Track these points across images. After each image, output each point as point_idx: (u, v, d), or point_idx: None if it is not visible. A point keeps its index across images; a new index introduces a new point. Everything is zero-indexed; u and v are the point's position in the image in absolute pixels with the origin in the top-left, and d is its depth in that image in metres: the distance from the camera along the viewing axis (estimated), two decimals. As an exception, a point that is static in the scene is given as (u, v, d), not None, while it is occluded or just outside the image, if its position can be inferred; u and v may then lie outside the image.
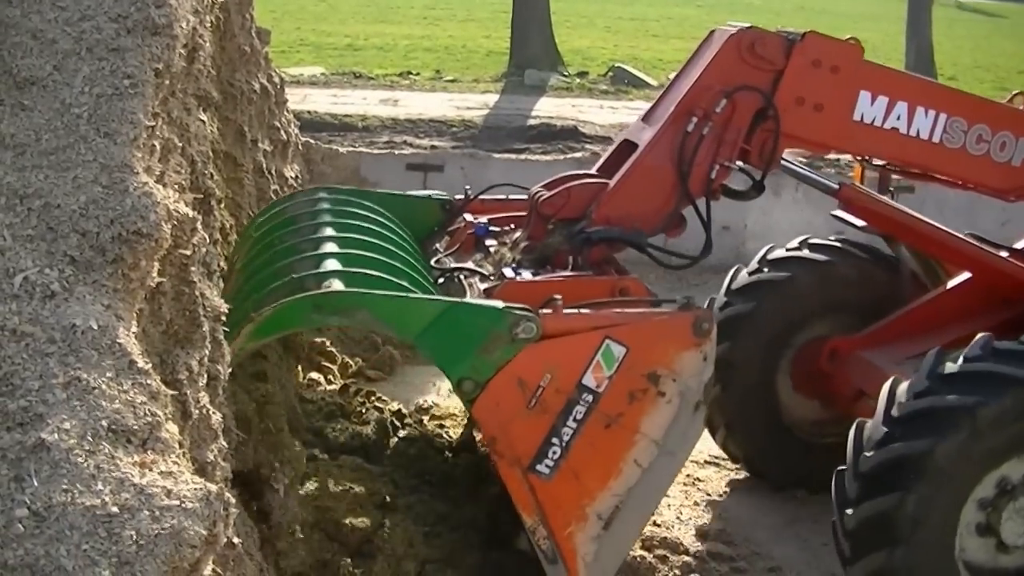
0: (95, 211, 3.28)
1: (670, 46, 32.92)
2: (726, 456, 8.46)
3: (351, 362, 8.89)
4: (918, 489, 5.83)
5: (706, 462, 8.58)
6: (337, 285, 5.21)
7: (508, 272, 6.09)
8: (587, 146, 15.23)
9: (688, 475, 8.30)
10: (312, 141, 13.63)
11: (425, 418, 7.93)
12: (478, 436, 7.75)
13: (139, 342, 3.26)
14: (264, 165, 9.57)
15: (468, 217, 7.00)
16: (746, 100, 6.62)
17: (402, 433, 7.19)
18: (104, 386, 2.87)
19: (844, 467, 6.15)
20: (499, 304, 5.31)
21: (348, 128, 15.54)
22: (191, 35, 4.50)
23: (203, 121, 5.60)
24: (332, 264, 5.49)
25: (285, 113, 11.05)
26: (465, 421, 8.18)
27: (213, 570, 3.28)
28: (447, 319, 5.15)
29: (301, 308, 5.06)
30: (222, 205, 7.69)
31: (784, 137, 6.71)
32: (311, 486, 5.78)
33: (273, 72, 10.44)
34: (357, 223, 6.31)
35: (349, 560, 5.35)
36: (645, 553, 7.01)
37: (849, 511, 5.99)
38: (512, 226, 6.74)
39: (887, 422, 6.01)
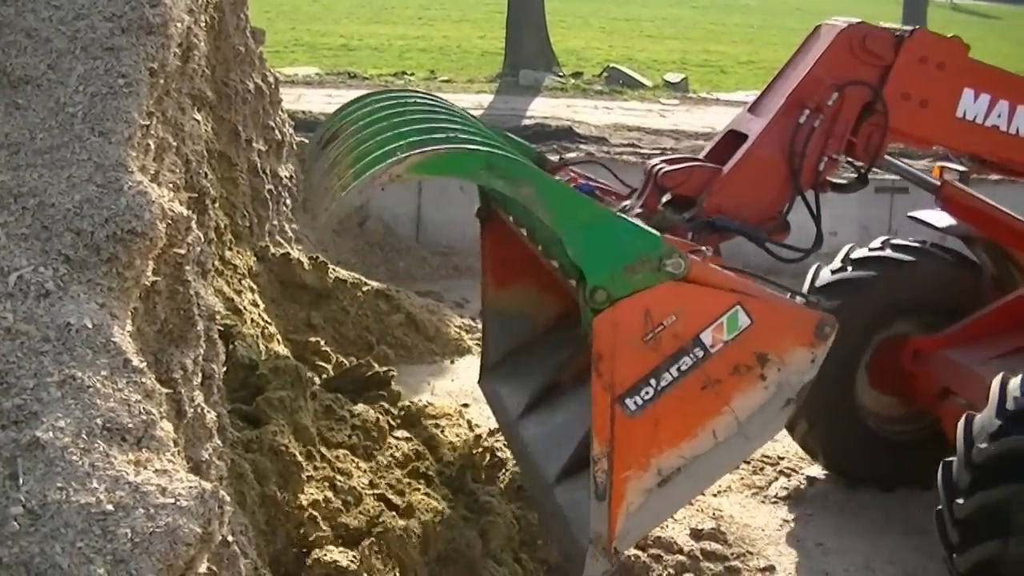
0: (89, 210, 3.29)
1: (664, 47, 32.95)
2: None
3: (346, 361, 8.89)
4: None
5: (700, 462, 8.59)
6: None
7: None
8: (581, 146, 15.24)
9: (682, 474, 8.31)
10: (307, 141, 13.61)
11: (420, 417, 7.93)
12: (472, 435, 7.77)
13: (133, 341, 3.27)
14: (259, 165, 9.59)
15: (575, 171, 7.03)
16: (855, 94, 6.74)
17: (398, 433, 7.19)
18: (99, 384, 2.87)
19: (951, 458, 6.22)
20: (657, 232, 5.33)
21: (343, 128, 15.52)
22: (186, 35, 4.51)
23: (197, 120, 5.61)
24: (480, 142, 5.45)
25: (280, 113, 11.05)
26: (460, 421, 8.18)
27: (208, 568, 3.28)
28: (605, 226, 5.15)
29: (474, 160, 5.02)
30: (216, 204, 7.70)
31: (890, 131, 6.82)
32: (309, 484, 5.78)
33: (268, 72, 10.44)
34: (475, 123, 6.31)
35: (349, 551, 5.35)
36: (639, 552, 7.02)
37: (960, 501, 6.05)
38: (613, 198, 6.78)
39: (1001, 415, 6.06)
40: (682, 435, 5.35)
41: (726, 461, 5.60)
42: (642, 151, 15.38)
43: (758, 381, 5.42)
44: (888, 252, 8.17)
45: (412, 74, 23.71)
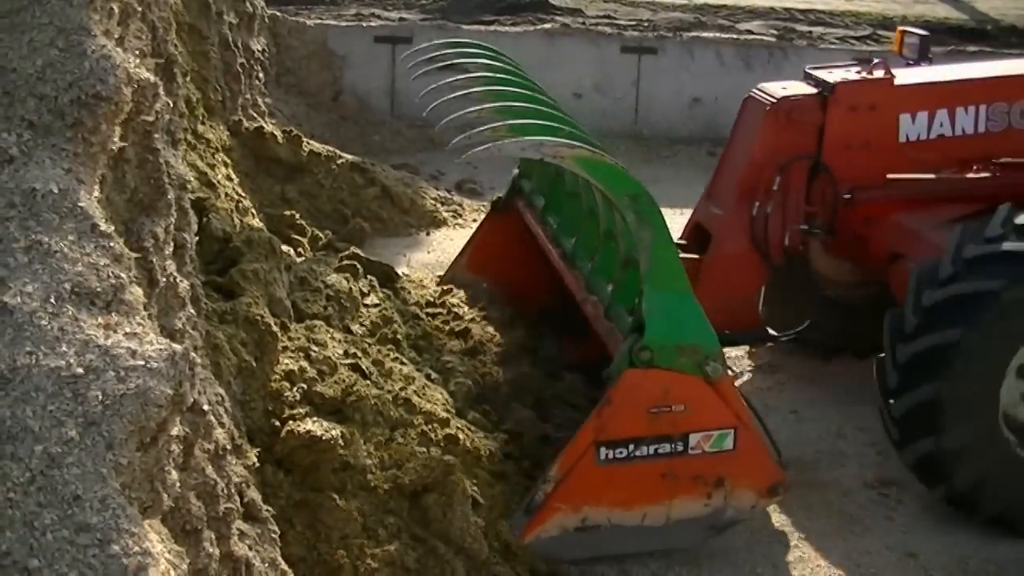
0: (52, 75, 3.23)
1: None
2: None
3: (321, 234, 8.87)
4: (954, 376, 6.03)
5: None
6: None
7: None
8: (556, 18, 15.08)
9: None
10: (278, 14, 13.46)
11: (389, 282, 7.92)
12: (441, 294, 7.83)
13: (102, 208, 3.23)
14: (230, 38, 9.47)
15: None
16: (798, 167, 7.05)
17: (369, 300, 7.18)
18: (66, 249, 2.85)
19: (882, 355, 6.36)
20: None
21: (315, 1, 15.32)
22: None
23: (164, -12, 5.50)
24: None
25: (250, -15, 10.90)
26: (434, 289, 8.19)
27: (185, 434, 3.30)
28: (685, 304, 5.71)
29: (627, 185, 5.57)
30: (188, 78, 7.61)
31: (840, 183, 7.07)
32: (283, 354, 5.79)
33: (238, -57, 10.27)
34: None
35: (323, 421, 5.38)
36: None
37: (892, 400, 6.25)
38: None
39: (917, 312, 6.14)
40: (620, 503, 5.79)
41: (636, 544, 5.93)
42: (618, 22, 15.23)
43: (703, 498, 5.87)
44: None
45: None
